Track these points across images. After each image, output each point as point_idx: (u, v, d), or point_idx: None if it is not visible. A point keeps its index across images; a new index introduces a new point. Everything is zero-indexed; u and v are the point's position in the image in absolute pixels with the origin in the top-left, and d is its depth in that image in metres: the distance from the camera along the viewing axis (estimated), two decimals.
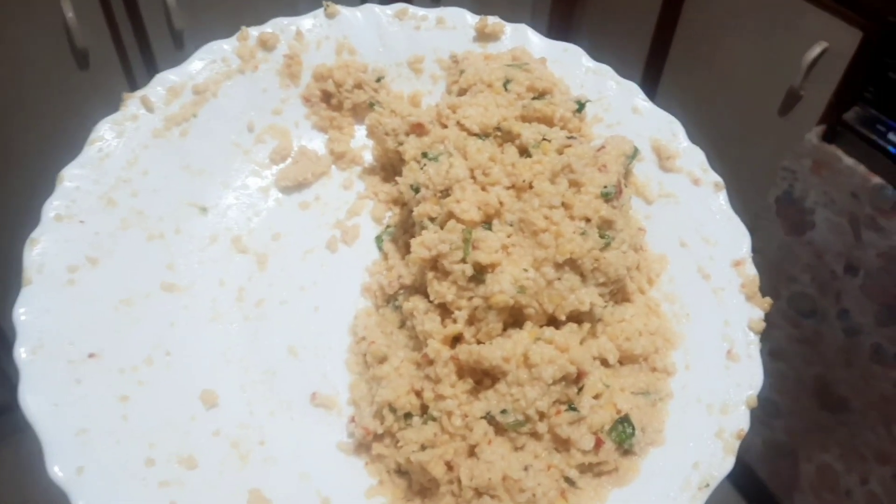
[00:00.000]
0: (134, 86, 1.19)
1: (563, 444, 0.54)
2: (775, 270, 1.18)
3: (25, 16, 1.03)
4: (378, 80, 0.74)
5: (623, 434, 0.54)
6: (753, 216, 1.14)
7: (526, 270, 0.56)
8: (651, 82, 1.53)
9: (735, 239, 0.64)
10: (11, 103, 1.10)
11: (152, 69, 1.23)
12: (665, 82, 1.51)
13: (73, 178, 0.62)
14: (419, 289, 0.61)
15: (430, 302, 0.58)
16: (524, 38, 0.76)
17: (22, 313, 0.55)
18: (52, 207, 0.60)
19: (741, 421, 0.56)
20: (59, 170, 0.62)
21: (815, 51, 1.20)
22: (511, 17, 0.77)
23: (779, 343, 1.26)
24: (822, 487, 1.28)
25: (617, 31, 1.62)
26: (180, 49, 1.22)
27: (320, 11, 0.74)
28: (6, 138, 1.12)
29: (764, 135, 1.32)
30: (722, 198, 0.66)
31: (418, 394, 0.56)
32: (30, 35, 1.06)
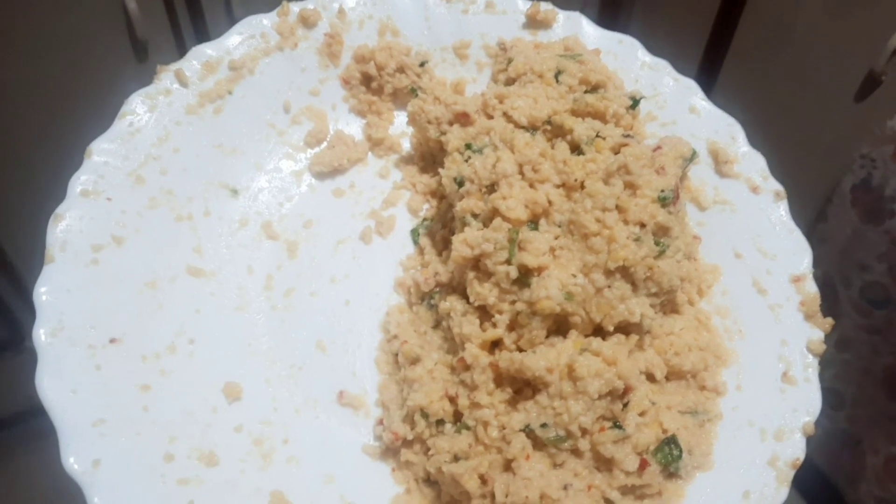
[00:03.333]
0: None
1: (605, 464, 0.51)
2: (847, 259, 1.16)
3: (86, 4, 1.02)
4: (421, 64, 0.71)
5: (669, 456, 0.51)
6: (824, 204, 1.11)
7: (574, 276, 0.53)
8: (710, 69, 1.48)
9: (795, 253, 0.60)
10: (71, 94, 1.10)
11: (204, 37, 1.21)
12: (728, 67, 1.46)
13: (102, 152, 0.59)
14: (457, 288, 0.58)
15: (469, 303, 0.55)
16: (577, 27, 0.72)
17: (43, 292, 0.52)
18: (79, 182, 0.57)
19: (797, 449, 0.52)
20: (71, 143, 0.60)
21: None
22: (561, 2, 0.73)
23: (846, 333, 1.24)
24: (889, 479, 1.25)
25: (675, 14, 1.55)
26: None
27: None
28: (65, 128, 1.11)
29: (837, 121, 1.27)
30: (782, 208, 0.62)
31: (452, 400, 0.53)
32: (90, 24, 1.05)
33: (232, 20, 1.14)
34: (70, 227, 0.55)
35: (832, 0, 1.24)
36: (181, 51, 1.13)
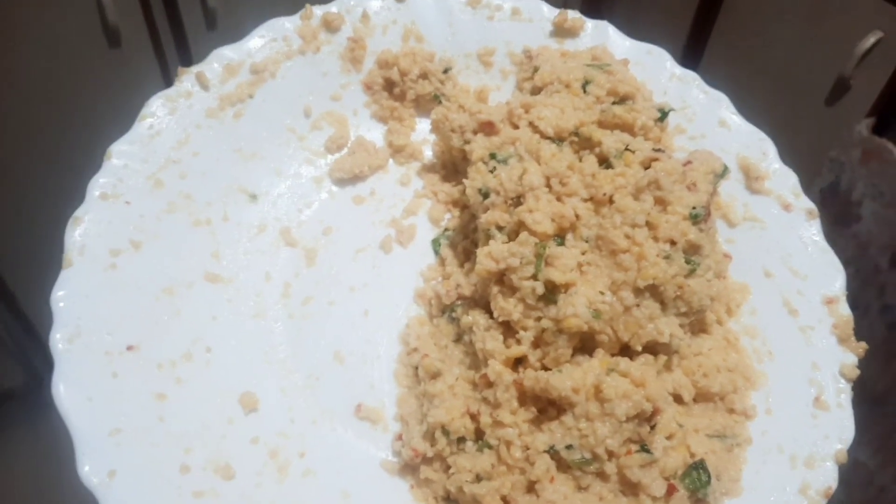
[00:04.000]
0: (164, 65, 1.19)
1: (631, 488, 0.49)
2: None
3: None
4: (445, 71, 0.69)
5: (697, 481, 0.50)
6: None
7: (602, 293, 0.51)
8: (689, 67, 1.48)
9: (827, 274, 0.59)
10: (44, 81, 1.09)
11: (183, 49, 1.21)
12: (704, 67, 1.46)
13: (122, 155, 0.58)
14: (479, 302, 0.57)
15: (492, 318, 0.54)
16: (605, 36, 0.70)
17: (60, 297, 0.51)
18: (98, 185, 0.56)
19: (829, 477, 0.51)
20: (90, 146, 0.58)
21: (870, 40, 1.15)
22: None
23: None
24: (853, 483, 1.24)
25: (655, 10, 1.55)
26: (213, 29, 1.20)
27: None
28: (40, 115, 1.11)
29: (809, 124, 1.28)
30: (815, 227, 0.60)
31: (474, 417, 0.52)
32: (62, 12, 1.05)
33: (205, 4, 1.14)
34: (88, 230, 0.55)
35: (804, 7, 1.24)
36: (154, 38, 1.14)
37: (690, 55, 1.48)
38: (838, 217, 1.18)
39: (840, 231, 1.17)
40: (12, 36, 1.03)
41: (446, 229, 0.65)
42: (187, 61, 1.07)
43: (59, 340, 0.49)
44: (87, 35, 1.08)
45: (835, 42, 1.20)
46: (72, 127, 1.08)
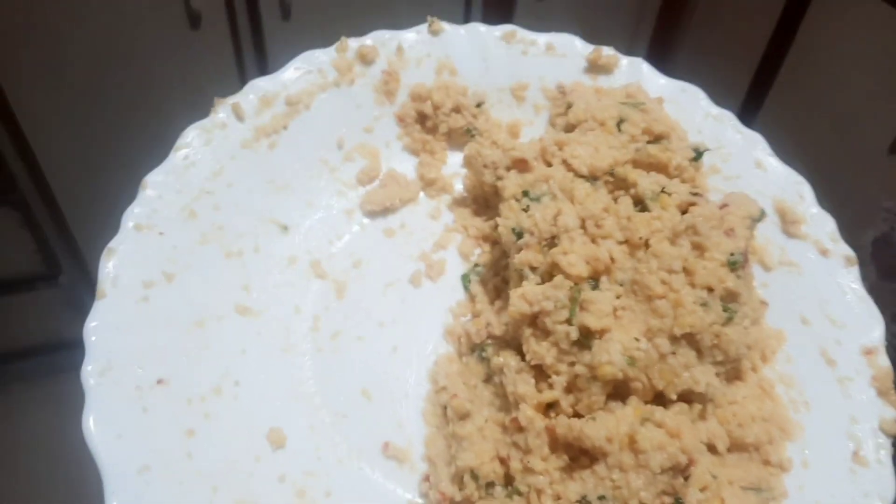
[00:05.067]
0: (239, 51, 1.26)
1: None
2: None
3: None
4: (478, 105, 0.69)
5: None
6: None
7: (637, 340, 0.50)
8: (751, 109, 1.47)
9: (866, 323, 0.57)
10: (125, 59, 1.17)
11: (258, 35, 1.26)
12: (766, 109, 1.45)
13: (156, 185, 0.58)
14: (510, 343, 0.56)
15: (524, 360, 0.53)
16: (638, 73, 0.70)
17: (93, 329, 0.51)
18: (133, 216, 0.57)
19: None
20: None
21: None
22: (609, 37, 0.72)
23: None
24: None
25: (720, 54, 1.55)
26: (286, 19, 1.26)
27: (423, 27, 0.70)
28: (121, 93, 1.18)
29: (868, 172, 1.26)
30: (853, 274, 0.59)
31: (503, 461, 0.51)
32: None
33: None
34: (122, 261, 0.55)
35: (871, 54, 1.23)
36: (231, 23, 1.21)
37: (752, 101, 1.48)
38: (888, 269, 1.15)
39: (888, 284, 1.14)
40: (98, 12, 1.10)
41: (476, 265, 0.65)
42: (261, 48, 1.07)
43: (90, 374, 0.49)
44: (171, 17, 1.17)
45: None
46: (149, 101, 1.15)
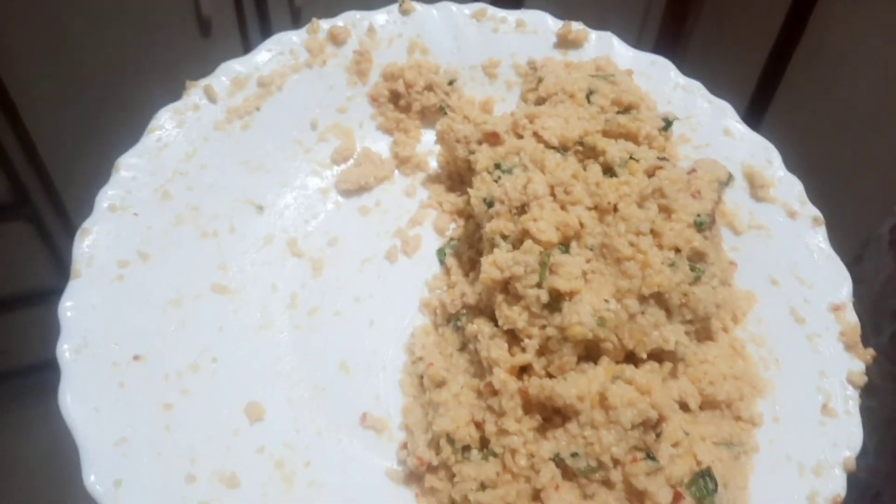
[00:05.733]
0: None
1: (637, 496, 0.49)
2: (880, 304, 1.13)
3: None
4: (450, 83, 0.70)
5: (704, 489, 0.49)
6: (862, 245, 1.10)
7: (607, 301, 0.51)
8: (760, 103, 1.47)
9: (834, 281, 0.58)
10: (138, 64, 1.16)
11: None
12: (776, 103, 1.45)
13: (130, 167, 0.59)
14: (484, 310, 0.57)
15: (497, 326, 0.54)
16: (609, 47, 0.71)
17: (68, 308, 0.52)
18: (107, 197, 0.57)
19: (837, 485, 0.50)
20: None
21: None
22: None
23: (873, 380, 1.20)
24: None
25: (728, 50, 1.55)
26: (297, 26, 1.24)
27: (394, 7, 0.71)
28: (130, 95, 1.17)
29: (882, 162, 1.26)
30: (821, 234, 0.60)
31: (479, 425, 0.52)
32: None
33: (292, 2, 1.19)
34: (97, 242, 0.55)
35: (885, 44, 1.23)
36: (242, 30, 1.21)
37: (761, 94, 1.47)
38: None
39: None
40: (111, 13, 1.09)
41: (451, 239, 0.65)
42: None
43: (66, 351, 0.50)
44: (182, 22, 1.16)
45: None
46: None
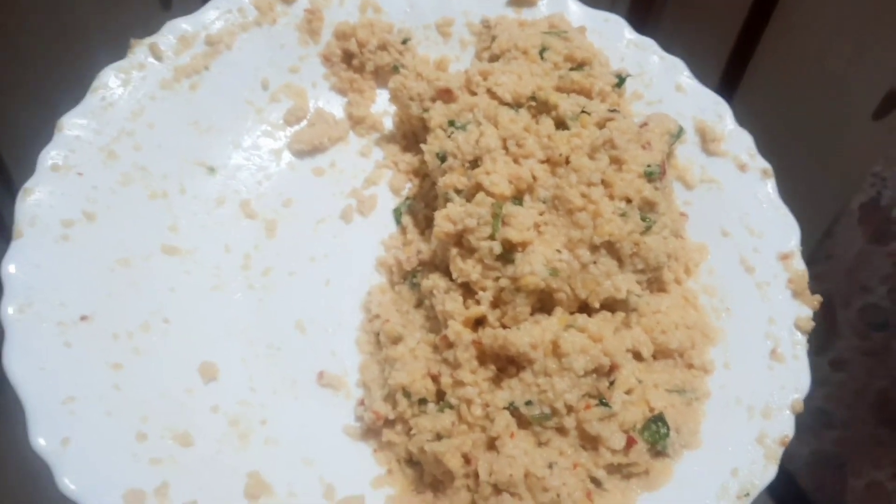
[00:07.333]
0: None
1: (591, 442, 0.50)
2: (850, 279, 1.15)
3: None
4: (404, 42, 0.69)
5: (657, 434, 0.50)
6: (832, 221, 1.12)
7: (559, 251, 0.51)
8: (731, 80, 1.48)
9: (783, 231, 0.59)
10: (83, 21, 1.09)
11: None
12: (748, 79, 1.46)
13: (73, 126, 0.57)
14: (439, 266, 0.57)
15: (452, 280, 0.54)
16: (562, 5, 0.71)
17: (11, 267, 0.50)
18: (49, 157, 0.55)
19: (785, 426, 0.52)
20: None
21: None
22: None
23: (842, 353, 1.22)
24: None
25: (702, 20, 1.55)
26: None
27: None
28: (74, 53, 1.12)
29: (853, 138, 1.27)
30: (770, 186, 0.61)
31: (435, 378, 0.52)
32: None
33: None
34: (40, 201, 0.54)
35: (855, 18, 1.24)
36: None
37: (734, 68, 1.48)
38: (877, 234, 1.16)
39: (876, 248, 1.15)
40: None
41: (407, 198, 0.65)
42: None
43: (10, 310, 0.49)
44: None
45: (886, 55, 1.19)
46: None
